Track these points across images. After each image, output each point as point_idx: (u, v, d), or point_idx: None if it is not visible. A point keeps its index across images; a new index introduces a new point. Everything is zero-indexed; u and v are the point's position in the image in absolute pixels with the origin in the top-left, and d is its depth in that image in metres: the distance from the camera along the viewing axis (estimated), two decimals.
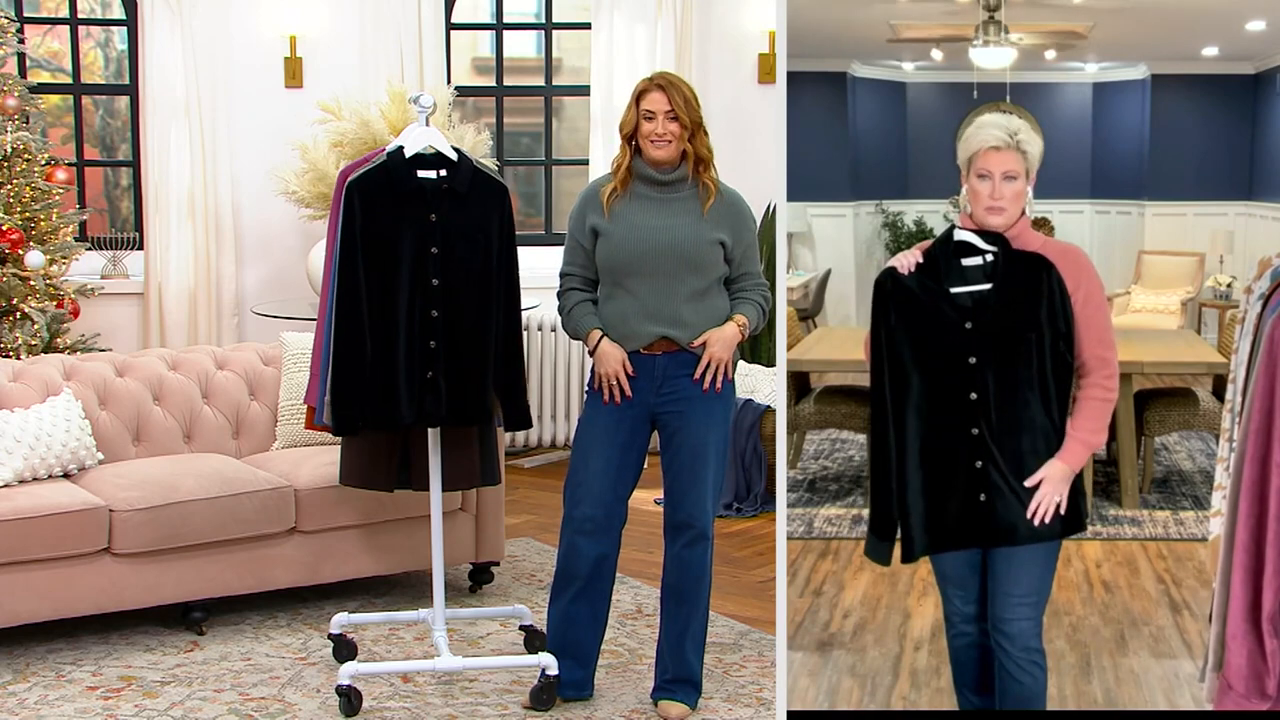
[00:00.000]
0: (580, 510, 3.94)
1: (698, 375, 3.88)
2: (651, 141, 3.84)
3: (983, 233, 3.08)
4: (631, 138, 3.90)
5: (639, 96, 3.88)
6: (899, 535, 3.10)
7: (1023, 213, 3.11)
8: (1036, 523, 3.05)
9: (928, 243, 3.15)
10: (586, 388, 4.02)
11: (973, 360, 3.04)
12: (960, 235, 3.08)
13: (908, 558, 3.11)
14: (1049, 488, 3.05)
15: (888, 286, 3.11)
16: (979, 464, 3.05)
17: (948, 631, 3.27)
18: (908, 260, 3.12)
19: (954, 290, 3.07)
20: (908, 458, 3.09)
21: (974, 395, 3.04)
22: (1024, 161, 3.07)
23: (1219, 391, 4.36)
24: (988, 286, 3.06)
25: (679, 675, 4.01)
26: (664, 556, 3.99)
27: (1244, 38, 4.04)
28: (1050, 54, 4.69)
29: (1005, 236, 3.07)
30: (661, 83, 3.86)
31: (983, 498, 3.06)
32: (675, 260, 3.84)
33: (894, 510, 3.10)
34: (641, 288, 3.88)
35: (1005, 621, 3.12)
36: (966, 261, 3.07)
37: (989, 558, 3.14)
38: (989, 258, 3.07)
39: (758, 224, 4.04)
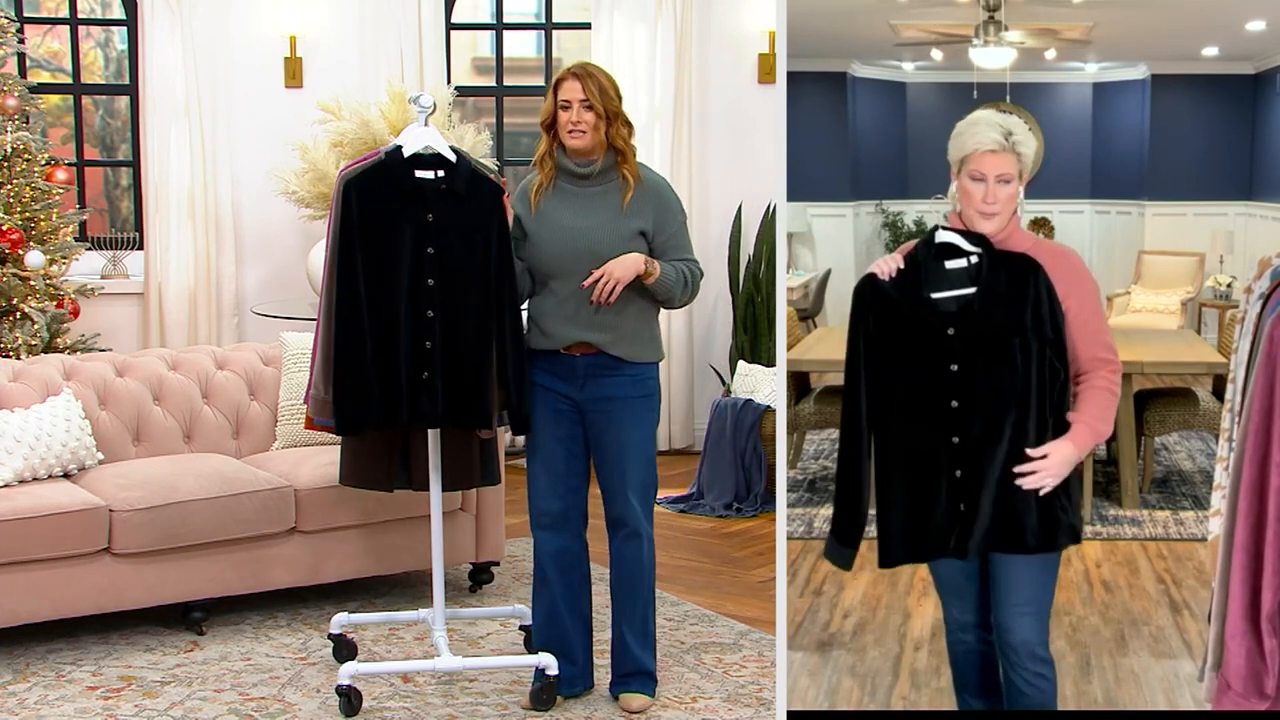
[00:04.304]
0: (535, 505, 4.03)
1: (586, 284, 3.81)
2: (568, 131, 3.84)
3: (967, 233, 3.00)
4: (551, 128, 3.90)
5: (556, 85, 3.88)
6: (876, 541, 3.03)
7: (1014, 213, 3.02)
8: (1026, 487, 2.95)
9: (911, 245, 3.06)
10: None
11: (954, 368, 2.97)
12: (943, 236, 3.00)
13: (885, 564, 3.07)
14: (1050, 464, 2.94)
15: (866, 294, 3.04)
16: (959, 473, 2.98)
17: (947, 636, 3.25)
18: (888, 266, 3.04)
19: (936, 295, 2.98)
20: (888, 465, 3.02)
21: (955, 403, 2.97)
22: (1019, 164, 2.98)
23: (1219, 391, 4.35)
24: (971, 290, 2.97)
25: (630, 668, 4.07)
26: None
27: (1244, 38, 4.04)
28: (1050, 54, 4.68)
29: (989, 238, 2.99)
30: (578, 71, 3.85)
31: (963, 507, 2.99)
32: (594, 263, 3.83)
33: (862, 516, 3.04)
34: (562, 289, 3.90)
35: (1008, 631, 3.07)
36: (950, 264, 2.98)
37: (989, 565, 3.09)
38: (974, 259, 2.98)
39: (684, 208, 4.01)
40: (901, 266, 3.02)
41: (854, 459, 3.04)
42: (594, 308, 3.84)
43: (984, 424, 2.96)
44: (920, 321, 2.99)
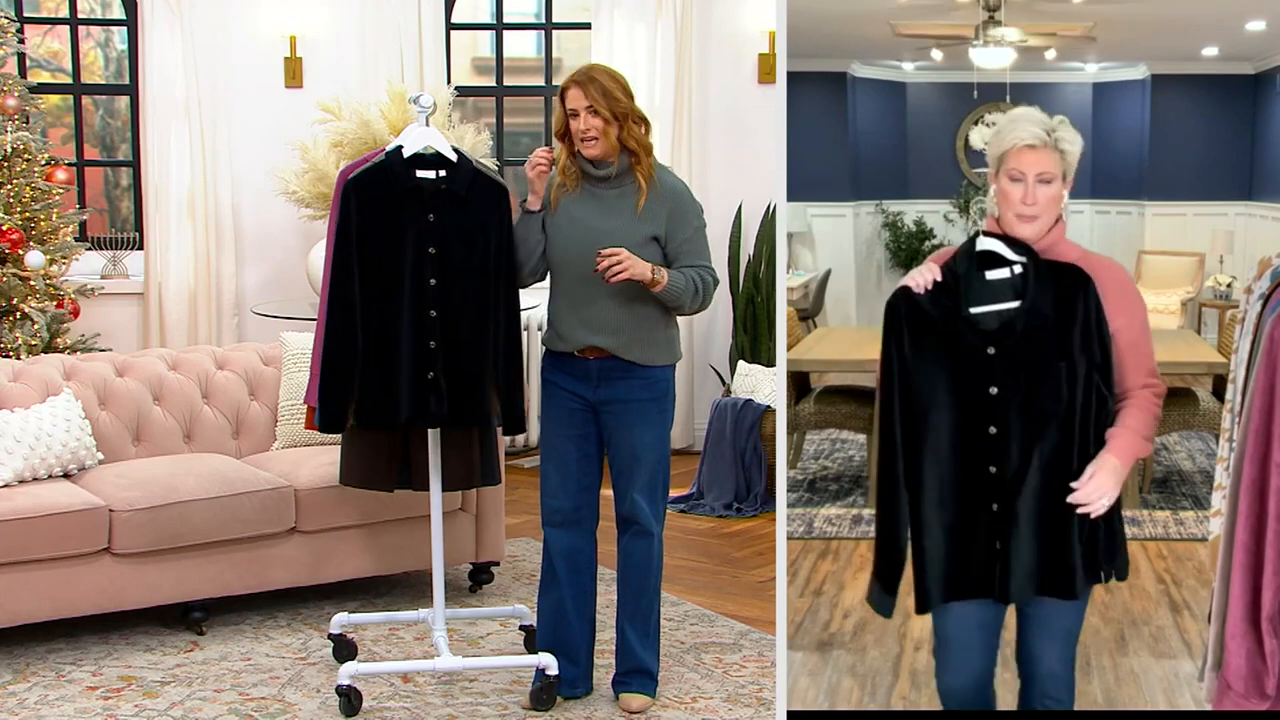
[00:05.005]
0: (547, 503, 4.02)
1: (602, 254, 3.73)
2: (580, 140, 3.81)
3: (1011, 240, 2.76)
4: (565, 135, 3.88)
5: (561, 94, 3.84)
6: (912, 585, 2.83)
7: (1058, 219, 2.79)
8: (1081, 512, 2.75)
9: (947, 252, 2.83)
10: (541, 376, 4.05)
11: (994, 391, 2.74)
12: (985, 244, 2.74)
13: (922, 609, 2.85)
14: (1100, 484, 2.73)
15: (900, 310, 2.78)
16: (996, 506, 2.76)
17: (941, 697, 3.06)
18: (923, 278, 2.79)
19: (975, 311, 2.74)
20: (924, 499, 2.80)
21: (993, 429, 2.75)
22: (1062, 162, 2.75)
23: (1219, 391, 4.35)
24: (1015, 305, 2.73)
25: (632, 667, 4.07)
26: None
27: (1244, 38, 4.03)
28: (1050, 54, 4.68)
29: (1031, 245, 2.77)
30: (580, 78, 3.80)
31: (999, 545, 2.77)
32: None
33: (903, 558, 2.80)
34: (574, 289, 3.89)
35: (1037, 661, 2.94)
36: (991, 275, 2.74)
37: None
38: (1017, 269, 2.73)
39: (704, 214, 3.98)
40: (939, 279, 2.78)
41: (895, 493, 2.82)
42: (603, 309, 3.84)
43: (1023, 453, 2.74)
44: (958, 340, 2.75)
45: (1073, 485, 2.76)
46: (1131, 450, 2.78)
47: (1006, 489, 2.76)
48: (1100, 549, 2.82)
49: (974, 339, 2.75)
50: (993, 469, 2.76)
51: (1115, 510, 2.84)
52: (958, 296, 2.76)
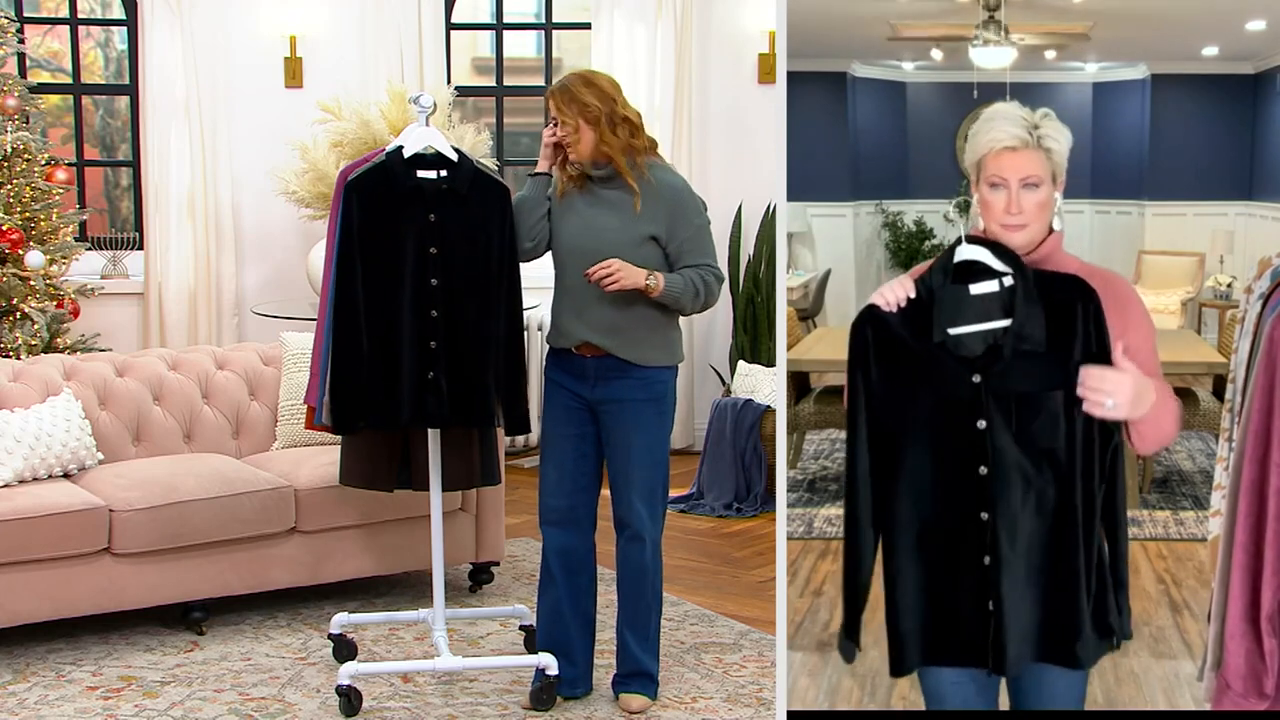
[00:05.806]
0: (544, 501, 4.04)
1: (591, 271, 3.76)
2: (566, 145, 3.85)
3: (999, 248, 2.42)
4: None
5: (548, 104, 3.89)
6: (888, 642, 2.52)
7: (1051, 228, 2.49)
8: (1079, 393, 2.36)
9: (923, 266, 2.49)
10: (543, 374, 4.06)
11: (981, 424, 2.38)
12: (966, 253, 2.40)
13: (897, 671, 2.52)
14: (1119, 378, 2.34)
15: (866, 335, 2.42)
16: (988, 559, 2.40)
17: None
18: (894, 295, 2.43)
19: (956, 332, 2.38)
20: (898, 547, 2.45)
21: (983, 470, 2.39)
22: (1048, 162, 2.44)
23: (1219, 391, 4.35)
24: (1003, 324, 2.37)
25: (631, 669, 4.07)
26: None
27: (1244, 38, 4.03)
28: (1050, 54, 4.69)
29: (1026, 259, 2.43)
30: (555, 88, 3.85)
31: (991, 605, 2.42)
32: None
33: (862, 603, 2.51)
34: (576, 286, 3.90)
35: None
36: (977, 289, 2.38)
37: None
38: (1007, 281, 2.37)
39: (706, 211, 3.98)
40: (912, 295, 2.43)
41: (858, 538, 2.49)
42: (602, 307, 3.84)
43: (1019, 497, 2.39)
44: (938, 367, 2.40)
45: (1087, 368, 2.39)
46: (1164, 391, 2.40)
47: (999, 538, 2.40)
48: (1110, 606, 2.49)
49: (956, 366, 2.38)
50: (984, 515, 2.40)
51: (1121, 559, 2.56)
52: (935, 315, 2.40)
